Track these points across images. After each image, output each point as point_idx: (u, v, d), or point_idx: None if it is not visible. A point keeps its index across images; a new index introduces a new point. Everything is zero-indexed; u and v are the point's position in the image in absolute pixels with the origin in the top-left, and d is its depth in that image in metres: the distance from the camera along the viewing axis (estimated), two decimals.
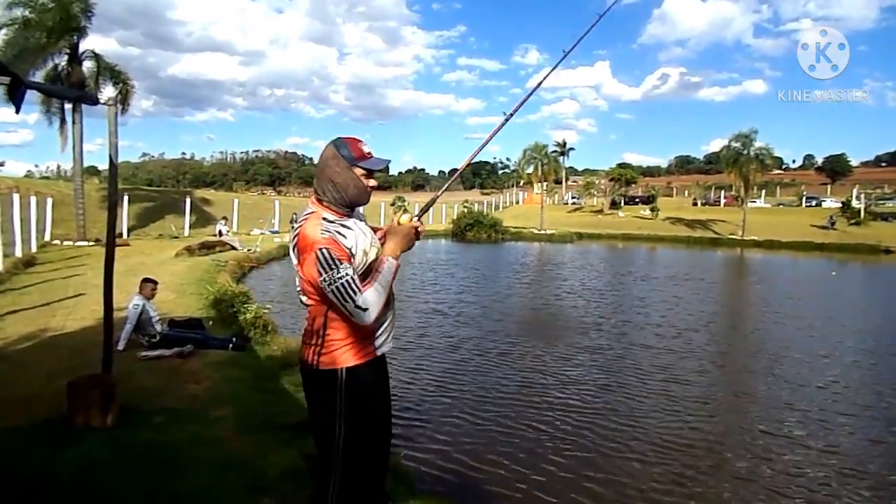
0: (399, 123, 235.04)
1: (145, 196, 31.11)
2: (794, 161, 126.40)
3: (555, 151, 50.30)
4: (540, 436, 5.25)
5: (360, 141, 2.29)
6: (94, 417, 4.14)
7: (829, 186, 73.81)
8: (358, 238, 2.19)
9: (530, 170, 43.34)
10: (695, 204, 56.50)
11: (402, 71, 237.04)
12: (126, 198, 22.66)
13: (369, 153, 2.28)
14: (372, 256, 2.23)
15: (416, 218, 2.32)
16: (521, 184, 61.02)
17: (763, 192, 53.28)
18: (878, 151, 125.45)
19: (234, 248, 18.31)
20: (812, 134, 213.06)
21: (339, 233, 2.14)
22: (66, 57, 20.18)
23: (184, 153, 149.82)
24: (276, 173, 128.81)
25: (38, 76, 19.14)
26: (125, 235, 20.84)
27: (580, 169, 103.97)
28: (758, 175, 37.66)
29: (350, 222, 2.23)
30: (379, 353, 2.30)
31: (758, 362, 8.19)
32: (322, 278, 2.05)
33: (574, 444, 5.07)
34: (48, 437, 3.92)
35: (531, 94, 2.97)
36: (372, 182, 2.28)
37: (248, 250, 18.17)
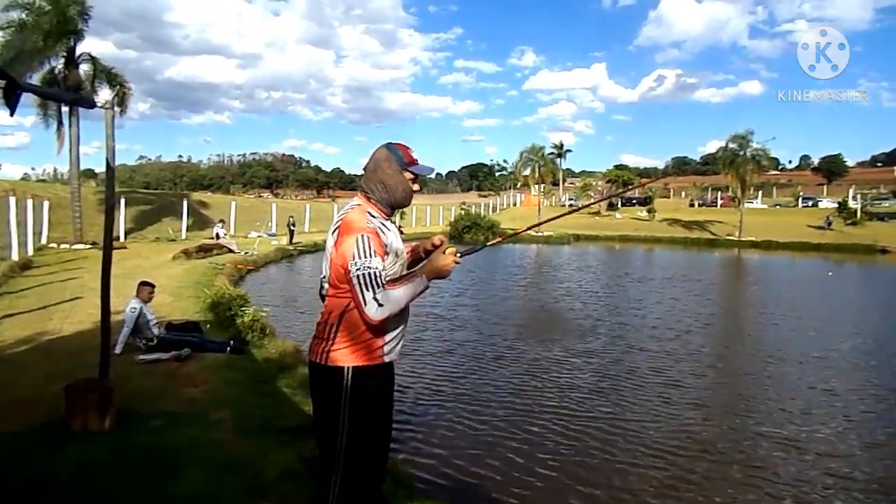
0: (396, 126, 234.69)
1: (142, 199, 31.08)
2: (790, 162, 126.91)
3: (552, 153, 50.38)
4: (535, 441, 5.21)
5: (409, 147, 2.41)
6: (92, 421, 4.13)
7: (825, 187, 74.01)
8: (394, 241, 2.30)
9: (527, 172, 43.48)
10: (692, 205, 56.65)
11: (399, 73, 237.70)
12: (123, 201, 22.61)
13: (417, 160, 2.40)
14: (400, 262, 2.33)
15: (460, 255, 2.37)
16: (519, 186, 61.14)
17: (760, 192, 53.42)
18: (874, 152, 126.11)
19: (231, 250, 18.29)
20: (808, 135, 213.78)
21: (381, 228, 2.25)
22: (62, 60, 20.17)
23: (181, 156, 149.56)
24: (273, 176, 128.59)
25: (35, 79, 19.11)
26: (122, 238, 20.80)
27: (577, 171, 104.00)
28: (754, 176, 37.76)
29: (388, 224, 2.35)
30: (387, 359, 2.31)
31: (755, 364, 8.17)
32: (354, 261, 2.12)
33: (569, 450, 5.03)
34: (46, 440, 3.91)
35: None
36: (416, 186, 2.40)
37: (246, 253, 18.16)
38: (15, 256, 14.03)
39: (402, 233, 2.54)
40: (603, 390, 6.72)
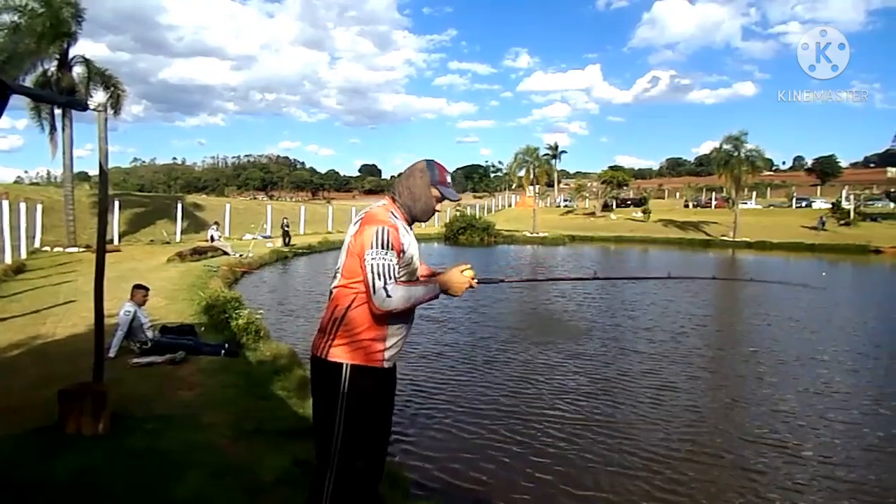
0: (391, 127, 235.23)
1: (136, 201, 30.97)
2: (784, 162, 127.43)
3: (546, 154, 50.34)
4: (528, 445, 5.17)
5: (446, 171, 2.52)
6: (86, 425, 4.11)
7: (818, 187, 74.34)
8: (411, 245, 2.38)
9: (522, 173, 43.51)
10: (686, 206, 56.84)
11: (394, 75, 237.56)
12: (117, 203, 22.55)
13: (450, 183, 2.53)
14: (412, 269, 2.40)
15: (478, 280, 2.47)
16: (514, 187, 61.18)
17: (754, 193, 53.63)
18: (866, 152, 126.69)
19: (225, 253, 18.26)
20: (802, 136, 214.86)
21: (403, 229, 2.35)
22: (56, 62, 20.10)
23: (175, 158, 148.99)
24: (267, 178, 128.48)
25: (28, 81, 19.05)
26: (116, 241, 20.74)
27: (572, 172, 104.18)
28: (749, 177, 37.89)
29: (409, 229, 2.44)
30: (386, 364, 2.36)
31: (749, 366, 8.14)
32: (371, 251, 2.19)
33: (562, 455, 4.99)
34: (40, 445, 3.89)
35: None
36: (438, 206, 2.50)
37: (240, 255, 18.12)
38: (8, 260, 13.98)
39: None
40: (595, 393, 6.67)
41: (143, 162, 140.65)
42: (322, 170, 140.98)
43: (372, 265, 2.17)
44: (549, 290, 15.49)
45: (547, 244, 33.86)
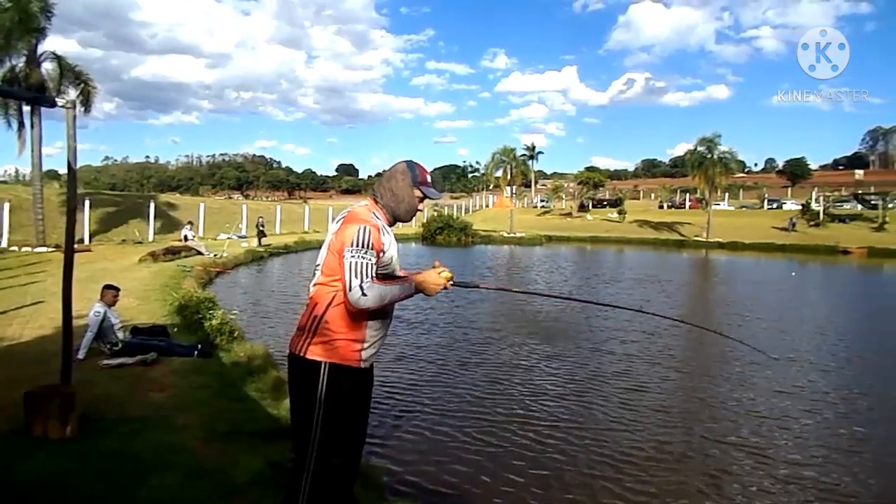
0: (368, 127, 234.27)
1: (108, 200, 30.39)
2: (756, 164, 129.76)
3: (523, 155, 50.55)
4: (500, 448, 5.13)
5: (427, 171, 2.55)
6: (53, 428, 4.02)
7: (789, 189, 75.85)
8: (391, 244, 2.40)
9: (499, 173, 43.67)
10: (661, 207, 57.59)
11: (372, 74, 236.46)
12: (87, 202, 22.12)
13: (432, 182, 2.56)
14: (391, 269, 2.41)
15: (452, 283, 2.47)
16: (491, 187, 61.37)
17: (726, 194, 54.49)
18: (835, 155, 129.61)
19: (199, 253, 18.03)
20: (774, 138, 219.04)
21: (383, 229, 2.38)
22: (24, 58, 19.64)
23: (148, 157, 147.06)
24: (243, 177, 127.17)
25: None
26: (87, 241, 20.35)
27: (549, 172, 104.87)
28: (722, 178, 38.52)
29: (390, 230, 2.47)
30: (364, 364, 2.38)
31: (720, 367, 8.21)
32: (350, 248, 2.22)
33: (533, 458, 4.95)
34: (5, 449, 3.80)
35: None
36: (421, 206, 2.53)
37: (215, 255, 17.92)
38: None
39: None
40: (568, 395, 6.65)
41: (116, 160, 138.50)
42: (299, 169, 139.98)
43: (351, 262, 2.20)
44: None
45: (524, 244, 34.03)
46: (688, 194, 57.84)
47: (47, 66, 20.44)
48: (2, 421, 4.27)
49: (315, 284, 2.35)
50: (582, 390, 6.88)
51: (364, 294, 2.18)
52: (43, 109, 19.02)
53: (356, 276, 2.19)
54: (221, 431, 4.35)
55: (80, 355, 5.98)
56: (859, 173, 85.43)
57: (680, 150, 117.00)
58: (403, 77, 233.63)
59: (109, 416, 4.54)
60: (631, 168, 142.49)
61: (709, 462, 5.06)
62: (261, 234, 23.05)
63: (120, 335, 6.51)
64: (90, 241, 20.86)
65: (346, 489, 2.41)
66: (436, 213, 37.22)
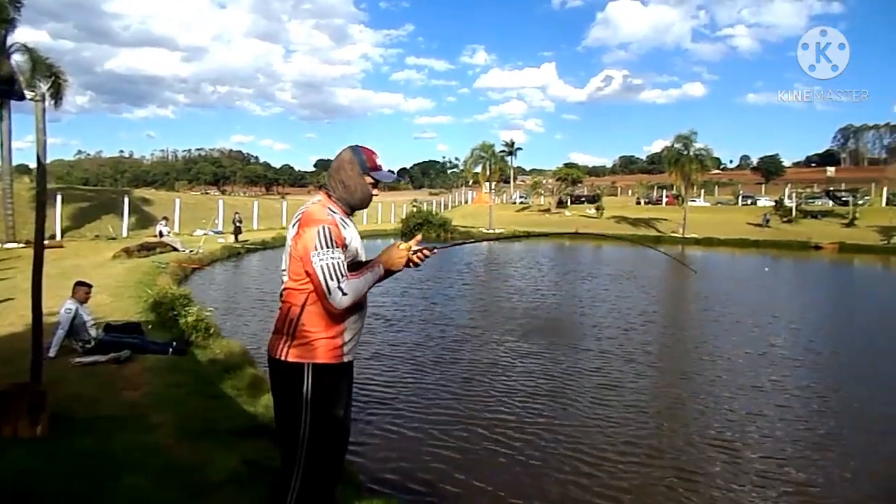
0: (347, 122, 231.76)
1: (80, 196, 29.81)
2: (731, 161, 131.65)
3: (503, 151, 50.83)
4: (474, 446, 5.13)
5: (374, 153, 2.47)
6: (23, 428, 3.95)
7: (763, 186, 77.21)
8: (353, 237, 2.36)
9: (478, 169, 43.79)
10: (638, 203, 58.16)
11: (350, 69, 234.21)
12: (59, 197, 21.66)
13: (381, 165, 2.46)
14: (358, 259, 2.38)
15: (413, 251, 2.39)
16: (470, 183, 61.46)
17: (702, 191, 55.21)
18: (808, 152, 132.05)
19: (175, 249, 17.78)
20: (748, 135, 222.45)
21: (342, 223, 2.32)
22: None
23: (122, 151, 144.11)
24: (220, 172, 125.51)
25: None
26: (59, 237, 19.96)
27: (528, 168, 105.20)
28: (698, 175, 39.03)
29: (349, 221, 2.40)
30: (346, 359, 2.36)
31: (694, 363, 8.28)
32: (315, 252, 2.16)
33: (507, 457, 4.95)
34: None
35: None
36: (375, 191, 2.47)
37: (191, 251, 17.70)
38: None
39: None
40: (542, 394, 6.64)
41: (88, 155, 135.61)
42: (277, 164, 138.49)
43: (321, 266, 2.16)
44: (502, 287, 15.61)
45: (503, 240, 34.13)
46: (664, 191, 58.55)
47: (17, 58, 19.93)
48: None
49: (285, 289, 2.31)
50: (556, 388, 6.87)
51: (344, 294, 2.16)
52: (13, 102, 18.58)
53: (332, 279, 2.15)
54: (196, 430, 4.31)
55: (51, 353, 5.87)
56: (831, 170, 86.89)
57: (657, 147, 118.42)
58: (383, 72, 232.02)
59: (81, 416, 4.46)
60: (609, 165, 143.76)
61: (681, 459, 5.08)
62: (237, 230, 22.81)
63: (92, 333, 6.40)
64: (62, 237, 20.46)
65: (332, 487, 2.40)
66: (415, 210, 37.25)
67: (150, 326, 7.51)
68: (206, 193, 70.97)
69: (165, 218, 21.73)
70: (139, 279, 11.74)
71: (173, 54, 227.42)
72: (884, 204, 47.23)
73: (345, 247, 2.27)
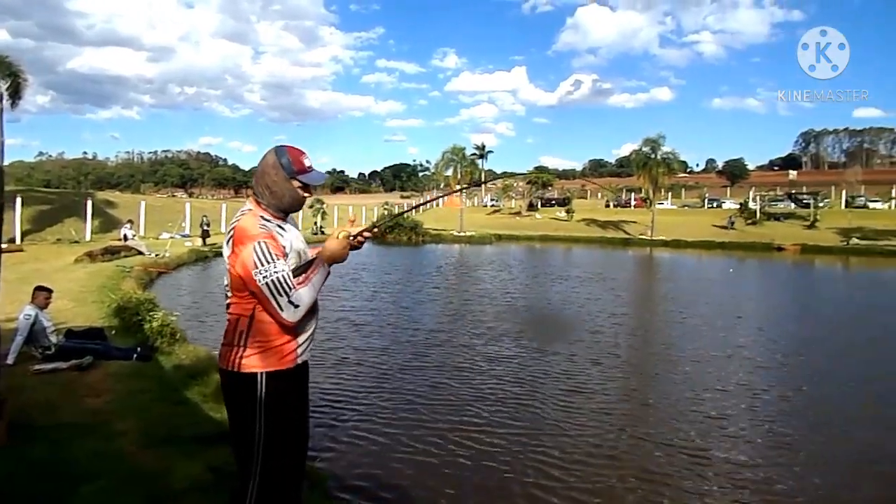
0: (317, 125, 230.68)
1: (41, 198, 29.04)
2: (697, 165, 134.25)
3: (473, 154, 50.81)
4: (442, 452, 5.10)
5: (302, 153, 2.33)
6: None
7: (728, 189, 78.93)
8: (293, 240, 2.28)
9: (449, 172, 43.80)
10: (607, 206, 58.89)
11: (320, 71, 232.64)
12: (19, 200, 21.12)
13: (310, 167, 2.33)
14: (303, 261, 2.30)
15: (353, 236, 2.36)
16: (441, 186, 61.50)
17: (669, 194, 56.16)
18: (771, 156, 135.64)
19: (140, 252, 17.48)
20: (714, 139, 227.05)
21: (277, 231, 2.22)
22: None
23: (85, 153, 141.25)
24: (187, 174, 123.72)
25: None
26: (18, 240, 19.41)
27: (499, 171, 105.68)
28: (665, 178, 39.70)
29: (286, 225, 2.31)
30: (300, 360, 2.31)
31: (662, 365, 8.33)
32: (257, 271, 2.08)
33: (474, 463, 4.93)
34: None
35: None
36: (306, 194, 2.35)
37: (156, 255, 17.39)
38: None
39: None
40: (509, 399, 6.60)
41: (50, 156, 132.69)
42: (245, 167, 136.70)
43: (266, 284, 2.08)
44: (472, 290, 15.63)
45: (474, 243, 34.28)
46: (633, 193, 59.36)
47: None
48: None
49: (230, 303, 2.24)
50: (524, 392, 6.83)
51: (297, 305, 2.12)
52: None
53: (280, 295, 2.09)
54: (160, 437, 4.24)
55: (10, 360, 5.74)
56: (793, 174, 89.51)
57: (625, 150, 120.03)
58: (353, 75, 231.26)
59: (42, 423, 4.37)
60: (579, 168, 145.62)
61: (647, 462, 5.09)
62: (205, 234, 22.47)
63: (53, 339, 6.25)
64: (22, 240, 19.91)
65: (296, 489, 2.37)
66: (386, 212, 37.13)
67: (113, 332, 7.37)
68: (173, 196, 69.92)
69: (130, 221, 21.31)
70: (102, 283, 11.50)
71: (139, 54, 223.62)
72: (843, 206, 48.72)
73: (286, 255, 2.19)
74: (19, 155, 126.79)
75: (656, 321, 12.42)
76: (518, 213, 51.97)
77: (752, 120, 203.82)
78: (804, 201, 50.99)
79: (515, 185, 62.42)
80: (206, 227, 22.73)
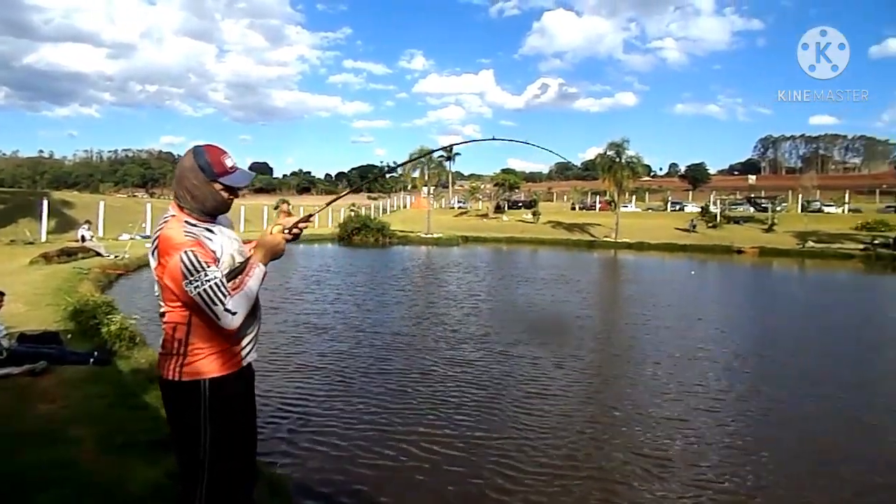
0: (283, 125, 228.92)
1: None
2: (661, 169, 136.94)
3: (441, 156, 50.96)
4: (405, 458, 5.06)
5: (223, 153, 2.21)
6: None
7: (690, 193, 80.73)
8: (224, 243, 2.18)
9: (417, 174, 43.86)
10: (573, 208, 59.65)
11: (286, 71, 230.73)
12: None
13: (233, 167, 2.21)
14: (238, 261, 2.21)
15: (287, 230, 2.29)
16: (409, 188, 61.46)
17: (634, 197, 57.10)
18: (731, 161, 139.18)
19: (98, 254, 17.02)
20: (676, 144, 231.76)
21: (205, 236, 2.11)
22: None
23: (41, 151, 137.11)
24: (148, 174, 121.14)
25: None
26: None
27: (466, 174, 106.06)
28: (629, 181, 40.35)
29: (215, 228, 2.21)
30: (245, 362, 2.26)
31: (625, 369, 8.34)
32: (187, 281, 2.00)
33: (435, 469, 4.89)
34: None
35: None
36: (231, 196, 2.24)
37: (116, 257, 16.96)
38: None
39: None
40: (470, 404, 6.53)
41: (4, 154, 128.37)
42: None
43: (199, 294, 2.00)
44: (437, 293, 15.61)
45: (441, 245, 34.29)
46: (598, 197, 60.22)
47: None
48: None
49: (164, 311, 2.17)
50: (487, 397, 6.79)
51: (234, 313, 2.05)
52: None
53: (216, 304, 2.01)
54: (117, 443, 4.13)
55: None
56: (752, 178, 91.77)
57: (591, 154, 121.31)
58: (320, 75, 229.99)
59: None
60: (545, 171, 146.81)
61: (608, 466, 5.09)
62: None
63: (5, 343, 6.04)
64: None
65: (246, 492, 2.33)
66: (353, 214, 36.95)
67: (69, 336, 7.14)
68: (134, 196, 68.45)
69: (88, 221, 20.74)
70: (58, 286, 11.16)
71: (98, 50, 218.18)
72: (799, 210, 50.39)
73: (217, 261, 2.10)
74: None
75: (620, 323, 12.58)
76: (485, 215, 52.19)
77: (713, 125, 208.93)
78: (762, 205, 52.48)
79: (483, 187, 62.69)
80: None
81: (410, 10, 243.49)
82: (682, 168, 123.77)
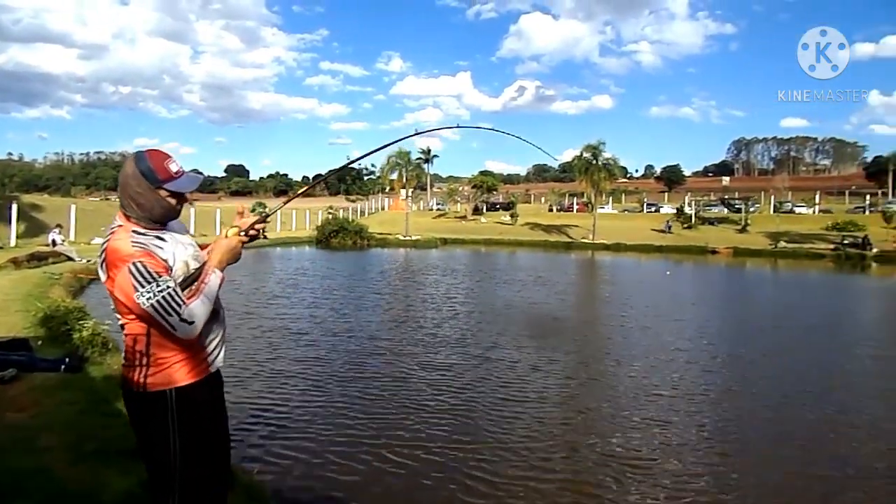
0: (259, 126, 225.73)
1: None
2: (637, 170, 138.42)
3: (419, 158, 51.01)
4: (383, 465, 5.03)
5: (166, 157, 2.13)
6: None
7: (666, 194, 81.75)
8: (176, 250, 2.10)
9: (395, 176, 43.79)
10: (551, 210, 60.04)
11: (263, 73, 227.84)
12: None
13: (178, 172, 2.13)
14: (194, 267, 2.14)
15: (243, 232, 2.24)
16: (387, 190, 61.32)
17: (610, 198, 57.70)
18: (706, 163, 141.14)
19: (70, 258, 16.73)
20: (652, 146, 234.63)
21: (154, 245, 2.04)
22: None
23: (10, 153, 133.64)
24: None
25: None
26: None
27: (444, 176, 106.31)
28: (606, 183, 40.76)
29: (166, 235, 2.13)
30: (212, 368, 2.23)
31: (601, 371, 8.31)
32: (139, 294, 1.92)
33: (412, 475, 4.87)
34: None
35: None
36: (178, 202, 2.16)
37: (88, 261, 16.65)
38: None
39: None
40: (447, 409, 6.49)
41: None
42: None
43: (152, 307, 1.93)
44: (415, 296, 15.56)
45: (420, 247, 34.26)
46: (575, 198, 60.71)
47: None
48: None
49: (123, 324, 2.10)
50: (463, 402, 6.75)
51: (191, 322, 1.98)
52: None
53: (170, 314, 1.94)
54: (89, 451, 4.05)
55: None
56: (726, 180, 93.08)
57: (568, 156, 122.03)
58: (297, 76, 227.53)
59: None
60: (523, 173, 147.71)
61: (583, 471, 5.08)
62: None
63: None
64: None
65: (220, 498, 2.31)
66: (330, 217, 36.77)
67: (39, 343, 6.99)
68: (107, 199, 67.21)
69: (59, 225, 20.33)
70: (28, 291, 10.93)
71: (69, 51, 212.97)
72: (772, 211, 51.35)
73: (169, 270, 2.02)
74: None
75: (597, 324, 12.65)
76: (463, 217, 52.31)
77: (687, 128, 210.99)
78: (736, 206, 53.40)
79: (461, 189, 62.82)
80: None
81: (387, 12, 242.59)
82: (658, 169, 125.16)
